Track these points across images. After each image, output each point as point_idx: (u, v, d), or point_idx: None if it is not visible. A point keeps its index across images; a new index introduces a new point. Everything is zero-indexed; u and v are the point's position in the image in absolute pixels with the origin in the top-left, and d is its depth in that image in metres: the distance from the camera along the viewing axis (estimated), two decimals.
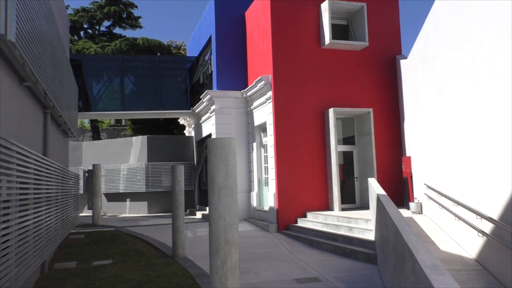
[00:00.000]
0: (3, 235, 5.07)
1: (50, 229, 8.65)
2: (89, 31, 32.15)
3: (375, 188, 8.88)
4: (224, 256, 4.65)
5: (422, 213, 11.91)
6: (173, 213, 10.92)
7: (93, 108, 20.21)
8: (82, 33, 32.20)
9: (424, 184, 11.57)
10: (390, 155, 14.85)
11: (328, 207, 14.26)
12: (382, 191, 8.32)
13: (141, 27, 32.16)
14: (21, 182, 6.07)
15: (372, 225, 10.07)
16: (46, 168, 8.35)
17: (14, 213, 5.48)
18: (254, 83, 15.13)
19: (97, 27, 31.83)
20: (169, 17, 75.49)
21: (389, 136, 14.96)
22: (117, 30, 32.42)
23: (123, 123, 41.48)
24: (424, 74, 12.70)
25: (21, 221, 5.91)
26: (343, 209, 13.94)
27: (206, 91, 16.60)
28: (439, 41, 11.61)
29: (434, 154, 11.35)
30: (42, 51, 7.68)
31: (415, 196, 12.39)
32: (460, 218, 9.09)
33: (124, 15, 31.20)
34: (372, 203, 9.58)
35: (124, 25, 31.70)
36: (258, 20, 15.91)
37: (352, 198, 15.06)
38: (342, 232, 11.31)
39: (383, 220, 6.99)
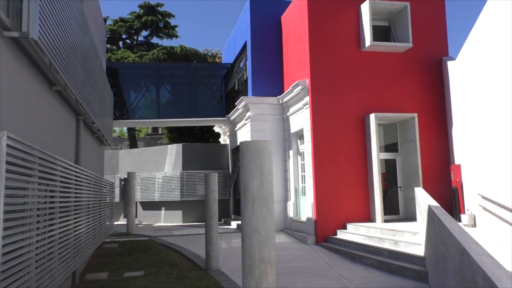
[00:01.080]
0: (22, 247, 4.73)
1: (80, 239, 8.36)
2: (128, 41, 32.66)
3: (424, 199, 8.08)
4: (258, 276, 4.10)
5: (475, 226, 10.91)
6: (206, 223, 10.47)
7: (130, 116, 20.23)
8: (121, 43, 32.75)
9: (479, 194, 10.59)
10: (437, 163, 13.86)
11: (369, 218, 13.43)
12: (434, 202, 7.52)
13: (177, 36, 32.37)
14: (45, 190, 5.76)
15: (420, 239, 9.22)
16: (76, 176, 8.08)
17: (35, 223, 5.14)
18: (290, 88, 14.58)
19: (135, 37, 32.28)
20: (205, 26, 76.33)
21: (436, 143, 13.98)
22: (154, 40, 32.77)
23: (160, 131, 41.87)
24: (476, 76, 11.77)
25: (43, 232, 5.57)
26: (386, 221, 13.07)
27: (241, 97, 16.19)
28: (493, 41, 10.70)
29: (490, 162, 10.38)
30: (72, 54, 7.44)
31: (466, 208, 11.40)
32: None
33: (161, 25, 31.50)
34: (421, 215, 8.76)
35: (161, 34, 31.99)
36: (295, 23, 15.39)
37: (396, 209, 14.15)
38: (386, 246, 10.50)
39: (438, 235, 6.24)
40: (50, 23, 5.88)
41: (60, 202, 6.59)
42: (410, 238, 10.09)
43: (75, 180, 7.95)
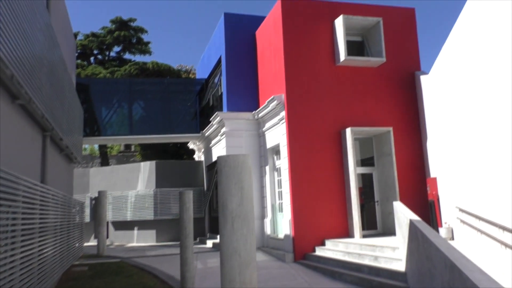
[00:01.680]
0: None
1: (45, 263, 7.83)
2: (99, 56, 32.05)
3: (405, 213, 7.95)
4: None
5: (453, 240, 10.88)
6: (181, 243, 10.04)
7: (101, 132, 19.64)
8: (92, 58, 32.10)
9: (456, 207, 10.58)
10: (413, 176, 13.88)
11: (348, 233, 13.26)
12: (415, 216, 7.39)
13: (150, 52, 31.98)
14: (6, 212, 5.31)
15: (401, 254, 9.08)
16: (42, 196, 7.60)
17: None
18: (266, 103, 14.42)
19: (107, 53, 31.71)
20: (178, 42, 76.16)
21: (411, 156, 14.03)
22: (127, 56, 32.27)
23: (133, 149, 41.01)
24: (449, 90, 11.90)
25: (5, 257, 5.11)
26: (364, 236, 12.92)
27: (216, 112, 15.93)
28: (466, 55, 10.84)
29: (466, 174, 10.41)
30: (37, 67, 7.05)
31: (444, 221, 11.39)
32: (509, 246, 8.08)
33: (134, 40, 31.07)
34: (401, 230, 8.63)
35: (133, 50, 31.54)
36: (270, 38, 15.33)
37: (373, 224, 14.04)
38: (366, 262, 10.31)
39: (422, 250, 6.07)
40: (12, 33, 5.51)
41: (23, 224, 6.12)
42: (390, 253, 9.93)
43: (40, 200, 7.47)
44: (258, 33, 16.84)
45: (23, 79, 6.04)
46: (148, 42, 31.67)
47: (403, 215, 8.02)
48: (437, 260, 4.99)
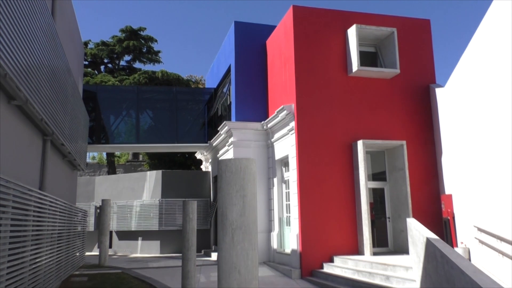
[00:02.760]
0: None
1: (38, 273, 7.44)
2: (109, 65, 32.05)
3: (420, 230, 7.45)
4: None
5: (470, 261, 10.29)
6: (184, 256, 9.64)
7: (108, 140, 19.38)
8: (102, 67, 32.11)
9: (475, 226, 10.03)
10: (426, 192, 13.34)
11: (357, 250, 12.72)
12: (433, 235, 6.89)
13: (160, 61, 31.90)
14: None
15: (415, 275, 8.54)
16: (37, 202, 7.24)
17: None
18: (275, 113, 14.04)
19: (117, 62, 31.70)
20: (189, 52, 76.49)
21: (425, 172, 13.50)
22: (137, 65, 32.21)
23: (141, 158, 40.78)
24: (466, 103, 11.43)
25: None
26: (374, 253, 12.38)
27: (224, 122, 15.58)
28: (483, 68, 10.40)
29: (484, 191, 9.87)
30: (35, 67, 6.75)
31: (460, 241, 10.82)
32: None
33: (144, 50, 31.02)
34: (415, 249, 8.12)
35: (143, 59, 31.48)
36: (280, 47, 15.02)
37: (384, 241, 13.48)
38: (377, 281, 9.76)
39: (442, 272, 5.58)
40: (7, 30, 5.22)
41: (12, 231, 5.75)
42: (403, 273, 9.39)
43: (35, 207, 7.11)
44: (269, 42, 16.55)
45: (18, 78, 5.73)
46: (158, 52, 31.61)
47: (419, 232, 7.52)
48: (461, 285, 4.50)
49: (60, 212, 9.52)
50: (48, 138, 8.72)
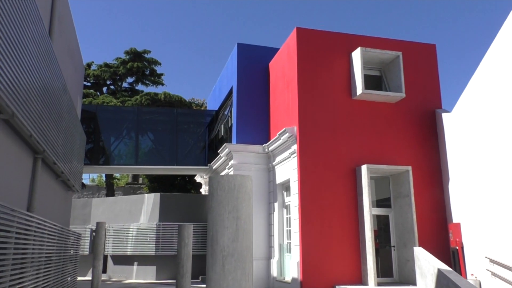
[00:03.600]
0: None
1: None
2: (112, 87, 32.02)
3: (429, 260, 6.96)
4: None
5: None
6: (177, 283, 9.12)
7: (106, 161, 19.00)
8: (105, 88, 32.08)
9: (486, 257, 9.49)
10: (433, 221, 12.83)
11: (361, 280, 12.13)
12: (444, 265, 6.41)
13: (163, 84, 31.86)
14: None
15: None
16: (21, 224, 6.80)
17: None
18: (277, 135, 13.69)
19: (120, 84, 31.68)
20: (192, 76, 76.94)
21: (431, 199, 13.02)
22: (139, 87, 32.19)
23: (140, 181, 40.29)
24: (474, 129, 11.07)
25: None
26: (379, 284, 11.79)
27: (224, 144, 15.22)
28: (492, 93, 10.08)
29: (495, 220, 9.39)
30: (25, 80, 6.44)
31: (470, 272, 10.25)
32: None
33: (147, 72, 31.02)
34: (425, 280, 7.60)
35: (146, 81, 31.46)
36: (283, 69, 14.80)
37: (389, 271, 12.89)
38: None
39: None
40: None
41: None
42: None
43: (19, 228, 6.66)
44: (272, 64, 16.35)
45: (4, 91, 5.40)
46: (161, 74, 31.62)
47: (428, 263, 7.03)
48: None
49: (49, 234, 9.04)
50: (39, 156, 8.34)
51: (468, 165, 11.74)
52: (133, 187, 40.25)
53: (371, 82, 14.09)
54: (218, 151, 16.43)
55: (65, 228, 11.86)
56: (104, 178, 36.17)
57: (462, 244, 10.87)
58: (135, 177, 40.86)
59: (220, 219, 2.96)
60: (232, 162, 15.16)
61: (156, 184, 30.70)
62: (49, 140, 8.37)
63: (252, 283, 3.02)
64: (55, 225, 9.78)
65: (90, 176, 46.01)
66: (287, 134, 13.09)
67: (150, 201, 20.46)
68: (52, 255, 9.60)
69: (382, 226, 13.40)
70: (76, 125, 11.98)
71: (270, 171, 15.21)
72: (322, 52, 13.67)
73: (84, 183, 34.89)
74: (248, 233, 3.01)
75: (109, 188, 30.12)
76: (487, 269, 9.42)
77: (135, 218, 20.69)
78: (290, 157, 13.39)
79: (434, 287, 6.45)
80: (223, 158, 16.15)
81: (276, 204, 14.60)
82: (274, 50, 16.55)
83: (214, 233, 3.02)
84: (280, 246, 14.25)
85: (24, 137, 7.07)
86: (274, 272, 14.06)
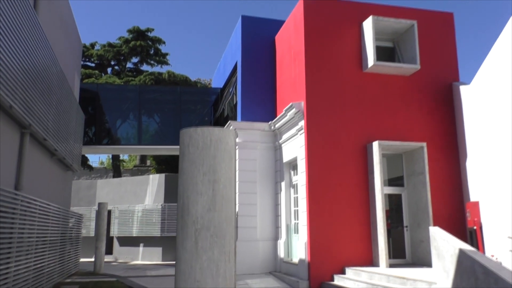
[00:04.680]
0: None
1: (7, 282, 6.46)
2: (116, 67, 31.35)
3: (449, 240, 6.33)
4: None
5: None
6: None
7: (109, 142, 18.50)
8: (109, 70, 31.44)
9: (510, 237, 8.83)
10: (449, 199, 12.15)
11: (372, 262, 11.56)
12: (468, 246, 5.78)
13: (168, 64, 31.09)
14: None
15: None
16: (9, 203, 6.30)
17: None
18: (283, 111, 13.01)
19: (124, 64, 31.00)
20: (197, 55, 75.91)
21: (447, 177, 12.32)
22: (144, 67, 31.45)
23: (148, 163, 39.95)
24: (495, 102, 10.28)
25: None
26: (391, 265, 11.21)
27: (229, 122, 14.58)
28: None
29: None
30: (3, 45, 5.84)
31: (490, 254, 9.60)
32: None
33: (152, 51, 30.27)
34: (442, 261, 6.98)
35: (151, 61, 30.72)
36: (290, 42, 14.02)
37: (401, 252, 12.29)
38: None
39: None
40: None
41: None
42: None
43: (7, 207, 6.16)
44: (278, 37, 15.57)
45: None
46: (166, 54, 30.82)
47: (447, 243, 6.39)
48: None
49: (41, 214, 8.57)
50: (26, 131, 7.80)
51: (487, 140, 10.99)
52: (140, 169, 39.96)
53: (384, 54, 13.27)
54: None
55: (63, 209, 11.41)
56: (111, 160, 35.89)
57: (481, 223, 10.20)
58: (143, 160, 40.54)
59: (193, 183, 2.34)
60: (237, 140, 14.54)
61: (163, 166, 30.30)
62: (36, 114, 7.81)
63: (234, 264, 2.42)
64: (49, 205, 9.30)
65: (100, 159, 45.84)
66: (294, 109, 12.40)
67: (155, 182, 20.04)
68: (46, 236, 9.15)
69: (393, 206, 12.77)
70: (71, 101, 11.43)
71: (277, 150, 14.58)
72: (330, 23, 12.86)
73: (92, 165, 34.63)
74: (229, 201, 2.39)
75: (116, 170, 29.78)
76: (510, 250, 8.78)
77: (140, 199, 20.32)
78: (297, 134, 12.73)
79: (454, 269, 5.83)
80: None
81: (283, 184, 14.01)
82: (280, 23, 15.74)
83: (185, 201, 2.40)
84: (288, 226, 13.71)
85: (4, 108, 6.50)
86: (281, 253, 13.55)
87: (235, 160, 2.55)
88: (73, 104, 11.89)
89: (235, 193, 2.52)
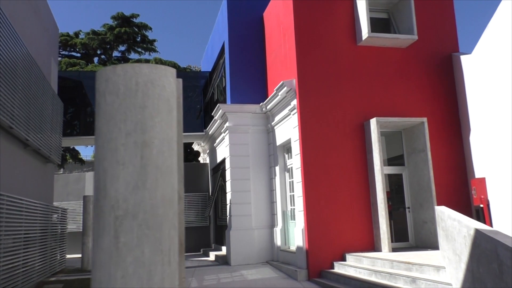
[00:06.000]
0: None
1: None
2: (103, 56, 30.35)
3: (462, 220, 5.63)
4: None
5: None
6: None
7: (91, 132, 17.67)
8: (96, 59, 30.44)
9: None
10: (452, 177, 11.48)
11: (373, 246, 10.92)
12: (486, 226, 5.09)
13: (156, 51, 30.11)
14: None
15: (450, 277, 6.72)
16: None
17: None
18: (274, 91, 12.24)
19: (110, 53, 30.00)
20: (185, 43, 74.51)
21: (450, 153, 11.64)
22: (132, 56, 30.47)
23: None
24: (501, 72, 9.54)
25: None
26: (393, 249, 10.57)
27: (218, 105, 13.80)
28: None
29: None
30: None
31: None
32: None
33: (138, 39, 29.26)
34: (451, 244, 6.31)
35: (138, 49, 29.72)
36: (279, 18, 13.19)
37: (404, 235, 11.65)
38: (401, 285, 7.96)
39: (510, 279, 3.81)
40: None
41: None
42: (433, 275, 7.57)
43: None
44: (266, 14, 14.72)
45: None
46: (154, 40, 29.82)
47: (459, 223, 5.70)
48: None
49: (12, 210, 7.81)
50: None
51: (492, 112, 10.28)
52: None
53: (378, 26, 12.47)
54: (212, 114, 15.03)
55: (44, 204, 10.66)
56: None
57: (488, 201, 9.55)
58: None
59: (111, 148, 1.57)
60: (227, 124, 13.77)
61: None
62: None
63: (177, 268, 1.68)
64: (22, 200, 8.54)
65: (93, 152, 45.01)
66: (285, 88, 11.63)
67: None
68: (19, 232, 8.40)
69: (394, 187, 12.10)
70: (44, 87, 10.58)
71: (270, 133, 13.83)
72: None
73: (84, 159, 33.77)
74: (168, 173, 1.64)
75: None
76: None
77: None
78: (290, 114, 11.98)
79: (468, 253, 5.14)
80: (218, 121, 14.77)
81: (277, 168, 13.29)
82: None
83: (101, 176, 1.64)
84: (284, 213, 13.03)
85: None
86: (278, 241, 12.89)
87: (179, 112, 1.83)
88: (47, 91, 11.06)
89: (178, 161, 1.78)
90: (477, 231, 4.69)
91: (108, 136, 1.58)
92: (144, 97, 1.55)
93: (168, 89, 1.66)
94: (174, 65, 26.11)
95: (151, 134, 1.55)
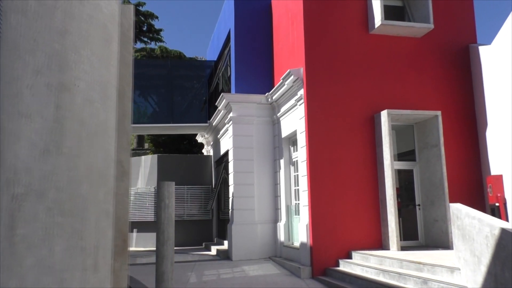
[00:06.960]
0: None
1: None
2: None
3: (483, 218, 5.11)
4: None
5: None
6: (158, 252, 7.49)
7: None
8: None
9: None
10: (466, 174, 10.92)
11: (381, 245, 10.41)
12: (508, 225, 4.57)
13: (163, 40, 29.63)
14: None
15: (466, 279, 6.20)
16: None
17: None
18: (281, 80, 11.72)
19: None
20: (194, 35, 73.99)
21: (464, 149, 11.07)
22: (138, 46, 30.02)
23: (146, 146, 38.82)
24: None
25: None
26: (402, 248, 10.05)
27: (222, 94, 13.30)
28: None
29: None
30: None
31: None
32: None
33: (145, 28, 28.79)
34: (469, 244, 5.79)
35: (144, 39, 29.26)
36: (287, 4, 12.64)
37: (413, 234, 11.11)
38: (411, 286, 7.45)
39: None
40: None
41: None
42: (447, 276, 7.05)
43: None
44: (274, 1, 14.16)
45: None
46: (160, 30, 29.33)
47: (479, 222, 5.18)
48: None
49: None
50: None
51: (511, 107, 9.70)
52: (138, 153, 38.79)
53: (392, 13, 11.86)
54: (216, 103, 14.54)
55: None
56: None
57: (505, 199, 9.00)
58: (140, 142, 39.35)
59: (11, 92, 1.07)
60: (231, 114, 13.28)
61: (161, 149, 29.22)
62: None
63: (108, 276, 1.19)
64: None
65: None
66: (292, 77, 11.10)
67: (147, 164, 18.85)
68: None
69: (403, 184, 11.55)
70: None
71: (275, 124, 13.32)
72: None
73: None
74: (100, 133, 1.15)
75: None
76: None
77: (132, 182, 19.16)
78: (296, 104, 11.45)
79: (490, 254, 4.63)
80: (222, 111, 14.28)
81: (282, 161, 12.79)
82: None
83: (5, 157, 1.10)
84: (288, 207, 12.54)
85: None
86: (282, 237, 12.42)
87: (125, 49, 1.34)
88: None
89: (120, 117, 1.29)
90: (504, 231, 4.17)
91: (9, 74, 1.06)
92: (65, 18, 1.05)
93: (106, 10, 1.16)
94: (179, 54, 25.64)
95: (73, 74, 1.05)
